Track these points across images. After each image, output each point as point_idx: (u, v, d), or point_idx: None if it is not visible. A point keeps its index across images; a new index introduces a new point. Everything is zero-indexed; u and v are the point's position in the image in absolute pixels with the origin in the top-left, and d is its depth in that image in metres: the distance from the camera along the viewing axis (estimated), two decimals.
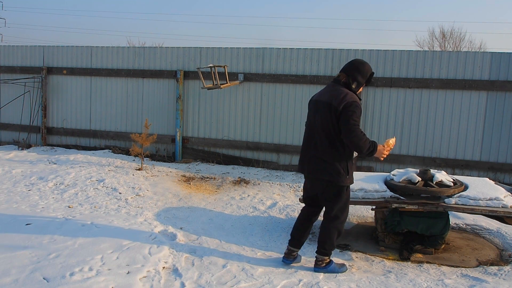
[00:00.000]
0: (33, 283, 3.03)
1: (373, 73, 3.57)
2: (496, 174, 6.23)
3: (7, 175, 6.07)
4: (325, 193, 3.46)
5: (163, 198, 5.42)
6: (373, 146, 3.27)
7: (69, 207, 4.89)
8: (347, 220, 3.65)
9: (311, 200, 3.64)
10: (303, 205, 3.69)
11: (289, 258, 3.64)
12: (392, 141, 3.42)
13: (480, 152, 6.30)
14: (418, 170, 4.26)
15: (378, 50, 6.59)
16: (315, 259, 3.58)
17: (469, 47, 31.01)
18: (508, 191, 4.14)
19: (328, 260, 3.56)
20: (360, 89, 3.50)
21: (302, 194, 3.80)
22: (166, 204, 5.24)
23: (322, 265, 3.54)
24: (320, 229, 3.58)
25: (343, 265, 3.63)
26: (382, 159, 3.42)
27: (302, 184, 3.86)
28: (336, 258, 3.80)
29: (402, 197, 3.98)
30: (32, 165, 6.70)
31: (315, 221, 3.73)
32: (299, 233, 3.66)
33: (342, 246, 4.11)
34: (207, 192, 5.82)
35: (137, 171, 6.57)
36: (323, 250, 3.53)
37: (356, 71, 3.42)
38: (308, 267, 3.61)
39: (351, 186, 3.54)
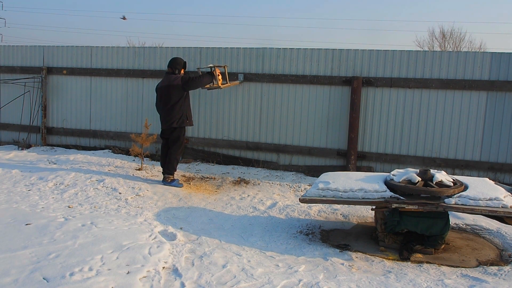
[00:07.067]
0: (33, 283, 3.03)
1: (185, 62, 6.23)
2: (496, 174, 6.23)
3: (7, 175, 6.07)
4: (172, 133, 5.99)
5: (163, 198, 5.42)
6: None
7: (69, 207, 4.89)
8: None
9: (165, 139, 6.08)
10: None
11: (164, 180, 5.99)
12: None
13: (480, 152, 6.30)
14: (418, 170, 4.26)
15: (378, 50, 6.59)
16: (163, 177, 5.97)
17: (469, 47, 31.06)
18: (508, 191, 4.14)
19: (172, 178, 5.97)
20: (182, 71, 6.13)
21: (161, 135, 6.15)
22: (166, 204, 5.24)
23: (168, 180, 5.93)
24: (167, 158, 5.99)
25: (181, 183, 6.00)
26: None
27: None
28: (336, 258, 3.81)
29: (402, 197, 3.97)
30: (32, 165, 6.70)
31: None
32: (164, 159, 6.07)
33: (342, 246, 4.12)
34: (207, 192, 5.82)
35: (137, 171, 6.57)
36: (167, 170, 5.94)
37: (176, 64, 6.07)
38: (307, 267, 3.61)
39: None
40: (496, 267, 3.71)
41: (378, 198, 4.02)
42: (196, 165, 7.25)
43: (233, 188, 5.98)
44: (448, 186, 4.06)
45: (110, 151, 7.73)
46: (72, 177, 5.96)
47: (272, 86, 7.06)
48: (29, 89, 8.31)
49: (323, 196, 4.17)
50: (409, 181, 4.14)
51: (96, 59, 7.99)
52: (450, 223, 4.21)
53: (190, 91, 6.22)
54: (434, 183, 4.09)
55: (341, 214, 5.05)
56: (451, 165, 6.38)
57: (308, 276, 3.42)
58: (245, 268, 3.51)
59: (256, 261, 3.69)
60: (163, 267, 3.43)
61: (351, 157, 6.60)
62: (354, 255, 3.93)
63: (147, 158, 7.32)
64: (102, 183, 5.79)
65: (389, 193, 4.02)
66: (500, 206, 3.74)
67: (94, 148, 8.04)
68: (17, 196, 5.20)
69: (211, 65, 6.39)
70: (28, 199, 5.11)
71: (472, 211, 3.82)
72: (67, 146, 8.21)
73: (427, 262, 3.81)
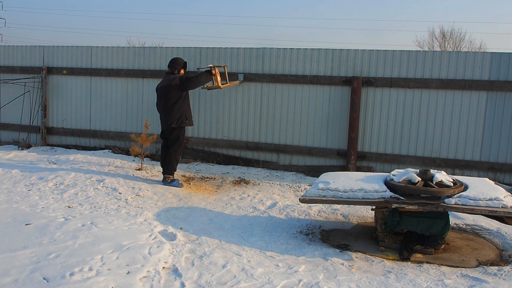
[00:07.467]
0: (33, 283, 3.03)
1: (185, 62, 6.26)
2: (496, 174, 6.23)
3: (7, 175, 6.07)
4: (171, 133, 6.01)
5: (163, 198, 5.42)
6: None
7: (69, 207, 4.89)
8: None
9: (165, 139, 6.09)
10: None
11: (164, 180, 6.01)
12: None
13: (480, 152, 6.29)
14: (418, 170, 4.26)
15: (378, 50, 6.58)
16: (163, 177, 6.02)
17: (469, 47, 31.09)
18: (508, 191, 4.14)
19: (172, 178, 5.99)
20: (182, 71, 6.16)
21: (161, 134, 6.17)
22: (166, 204, 5.24)
23: (168, 180, 5.95)
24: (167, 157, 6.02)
25: (181, 183, 6.01)
26: None
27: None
28: (336, 258, 3.81)
29: (402, 197, 3.98)
30: (32, 165, 6.70)
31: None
32: (164, 159, 6.07)
33: (342, 246, 4.12)
34: (207, 192, 5.82)
35: (137, 171, 6.57)
36: (167, 170, 5.97)
37: (175, 64, 6.09)
38: (307, 267, 3.61)
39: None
40: (496, 267, 3.71)
41: (378, 198, 4.03)
42: (196, 165, 7.25)
43: (233, 188, 5.98)
44: (448, 186, 4.06)
45: (110, 151, 7.73)
46: (72, 177, 5.96)
47: (272, 86, 7.06)
48: (29, 89, 8.31)
49: (323, 196, 4.17)
50: (409, 181, 4.14)
51: (96, 59, 7.99)
52: (450, 223, 4.21)
53: (190, 91, 6.21)
54: (434, 183, 4.09)
55: (341, 214, 5.05)
56: (451, 165, 6.38)
57: (308, 276, 3.42)
58: (245, 268, 3.51)
59: (256, 261, 3.69)
60: (163, 267, 3.43)
61: (351, 157, 6.60)
62: (354, 255, 3.93)
63: (147, 158, 7.32)
64: (102, 183, 5.79)
65: (389, 193, 4.02)
66: (500, 206, 3.74)
67: (94, 148, 8.04)
68: (17, 196, 5.20)
69: (211, 65, 6.39)
70: (28, 199, 5.11)
71: (472, 211, 3.82)
72: (67, 146, 8.20)
73: (427, 262, 3.81)
